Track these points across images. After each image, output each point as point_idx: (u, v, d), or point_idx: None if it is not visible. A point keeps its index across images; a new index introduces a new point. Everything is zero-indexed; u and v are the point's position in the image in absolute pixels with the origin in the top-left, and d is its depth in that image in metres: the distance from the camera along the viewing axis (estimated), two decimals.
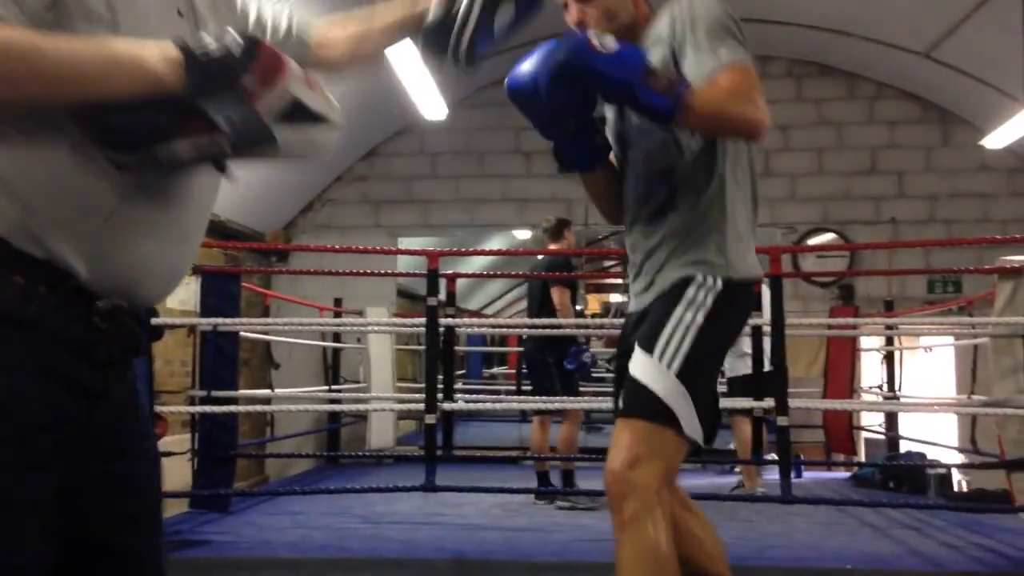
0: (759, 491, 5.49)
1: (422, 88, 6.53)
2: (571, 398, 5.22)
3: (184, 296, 5.61)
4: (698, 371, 1.81)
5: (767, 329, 4.55)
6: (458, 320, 5.52)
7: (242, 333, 5.29)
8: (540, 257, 6.02)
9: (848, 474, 6.99)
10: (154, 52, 1.03)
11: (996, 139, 7.35)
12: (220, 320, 4.62)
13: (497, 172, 9.13)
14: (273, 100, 1.04)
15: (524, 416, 9.70)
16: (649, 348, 1.82)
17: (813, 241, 8.68)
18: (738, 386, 5.83)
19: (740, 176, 1.94)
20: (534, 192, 9.48)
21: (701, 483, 6.26)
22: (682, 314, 1.83)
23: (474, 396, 8.63)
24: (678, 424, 1.77)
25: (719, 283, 1.85)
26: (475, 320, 8.75)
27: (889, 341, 7.21)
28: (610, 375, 7.92)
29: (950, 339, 7.11)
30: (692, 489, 5.82)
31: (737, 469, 6.36)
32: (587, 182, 2.08)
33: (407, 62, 5.77)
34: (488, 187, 9.07)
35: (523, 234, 11.48)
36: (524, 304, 21.65)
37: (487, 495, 5.21)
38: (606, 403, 4.42)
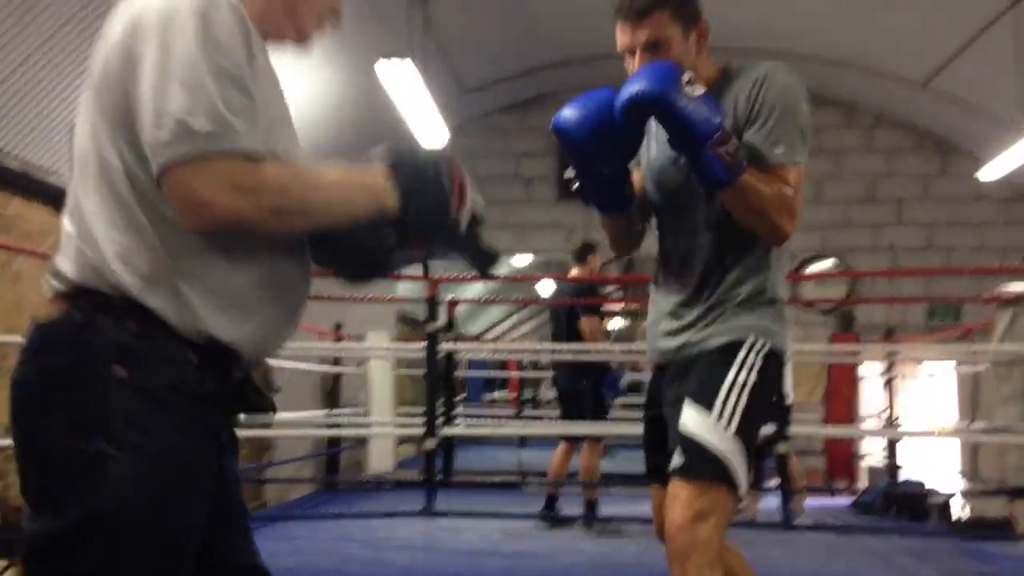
0: (756, 517, 5.49)
1: (423, 113, 6.58)
2: (603, 423, 5.15)
3: None
4: (750, 429, 1.87)
5: None
6: (458, 345, 5.53)
7: None
8: (560, 283, 5.94)
9: (850, 501, 6.97)
10: (371, 177, 1.22)
11: (992, 169, 7.40)
12: None
13: (498, 198, 9.18)
14: (465, 214, 1.23)
15: (523, 441, 9.70)
16: (708, 406, 1.85)
17: (812, 269, 8.72)
18: None
19: (785, 255, 2.00)
20: (534, 218, 9.53)
21: None
22: (736, 374, 1.87)
23: (474, 421, 8.62)
24: (734, 482, 1.83)
25: (767, 347, 1.91)
26: (475, 345, 8.76)
27: (890, 368, 7.23)
28: (628, 400, 7.89)
29: (951, 366, 7.13)
30: None
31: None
32: (605, 220, 2.11)
33: (407, 88, 5.83)
34: (489, 213, 9.06)
35: (524, 259, 11.54)
36: (525, 329, 21.55)
37: (487, 520, 5.20)
38: (631, 428, 4.43)
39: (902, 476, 6.93)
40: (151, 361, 1.16)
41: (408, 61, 5.50)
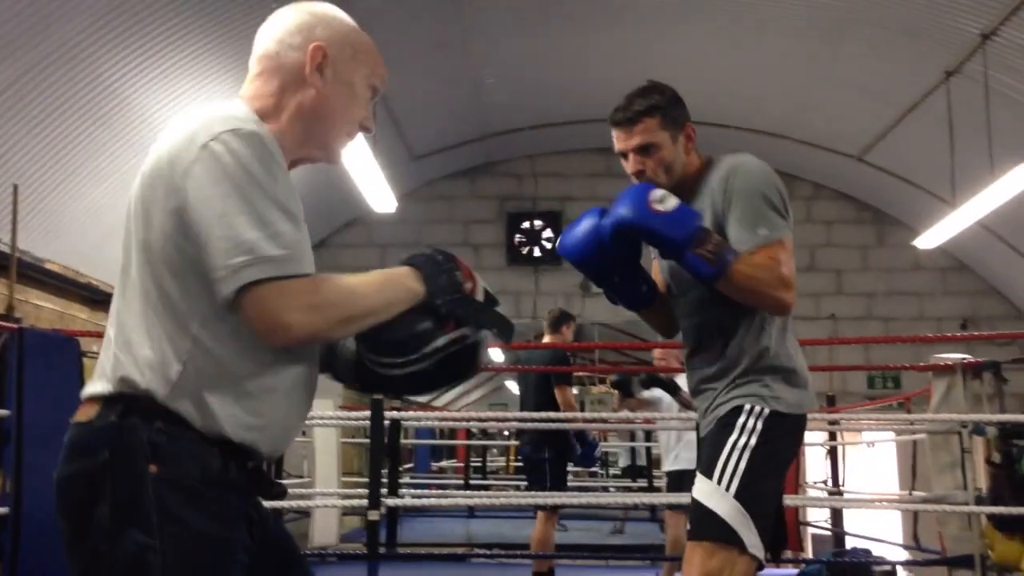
0: None
1: (371, 181, 6.61)
2: (561, 493, 5.09)
3: None
4: (753, 491, 1.96)
5: None
6: (404, 413, 5.47)
7: None
8: (536, 352, 5.88)
9: (795, 571, 6.96)
10: (408, 275, 1.36)
11: (928, 239, 7.63)
12: None
13: None
14: (479, 289, 1.38)
15: (472, 511, 9.55)
16: (709, 473, 1.98)
17: None
18: (675, 480, 5.82)
19: (783, 321, 2.09)
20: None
21: None
22: (736, 440, 1.99)
23: (421, 492, 8.49)
24: (741, 543, 1.92)
25: (766, 411, 2.01)
26: (423, 413, 8.67)
27: (832, 436, 7.30)
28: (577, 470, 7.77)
29: (891, 435, 7.23)
30: None
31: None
32: (642, 316, 2.29)
33: (357, 156, 5.86)
34: None
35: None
36: (475, 396, 21.35)
37: None
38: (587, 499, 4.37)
39: (849, 544, 6.95)
40: (179, 456, 1.28)
41: None
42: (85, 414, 1.32)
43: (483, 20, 7.12)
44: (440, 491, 9.41)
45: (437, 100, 8.24)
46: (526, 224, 9.92)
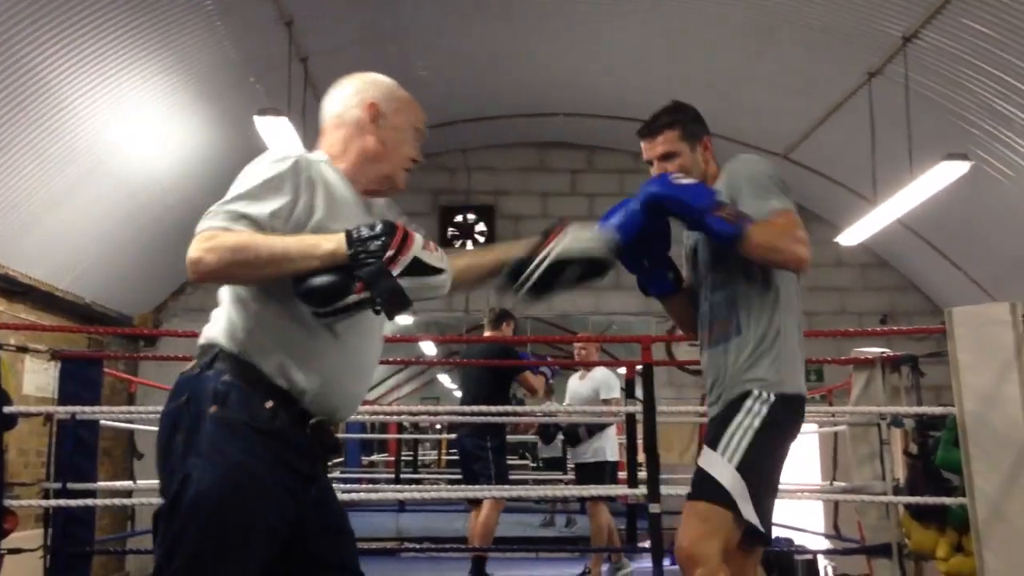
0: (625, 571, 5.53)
1: None
2: (497, 487, 5.10)
3: (41, 382, 5.35)
4: (754, 467, 2.15)
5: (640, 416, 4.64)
6: None
7: (103, 422, 5.06)
8: (480, 345, 5.88)
9: None
10: (331, 239, 1.64)
11: (850, 236, 7.82)
12: (79, 408, 4.41)
13: None
14: (403, 261, 1.59)
15: (402, 506, 9.51)
16: (714, 445, 2.19)
17: None
18: (590, 472, 5.89)
19: (793, 303, 2.31)
20: None
21: (549, 573, 6.24)
22: (741, 420, 2.20)
23: (350, 486, 8.42)
24: (736, 508, 2.12)
25: (772, 396, 2.20)
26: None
27: None
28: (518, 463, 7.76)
29: (813, 427, 7.40)
30: None
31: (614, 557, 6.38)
32: (666, 306, 2.54)
33: (283, 142, 5.78)
34: None
35: (405, 320, 11.46)
36: (407, 390, 21.22)
37: None
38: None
39: (773, 534, 7.10)
40: (232, 402, 1.66)
41: (284, 119, 5.47)
42: (188, 367, 1.76)
43: (417, 12, 7.07)
44: (370, 485, 9.34)
45: None
46: (459, 218, 9.90)
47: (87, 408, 4.47)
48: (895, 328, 8.44)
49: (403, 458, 10.81)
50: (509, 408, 5.03)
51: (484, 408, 4.91)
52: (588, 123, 9.20)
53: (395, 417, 10.46)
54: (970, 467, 3.68)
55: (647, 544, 4.71)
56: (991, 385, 3.66)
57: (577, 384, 6.22)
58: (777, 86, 7.73)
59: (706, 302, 2.38)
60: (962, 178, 6.20)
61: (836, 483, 5.65)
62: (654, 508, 4.28)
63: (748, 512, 2.12)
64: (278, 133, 5.59)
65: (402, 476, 9.82)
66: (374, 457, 14.11)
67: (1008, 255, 7.99)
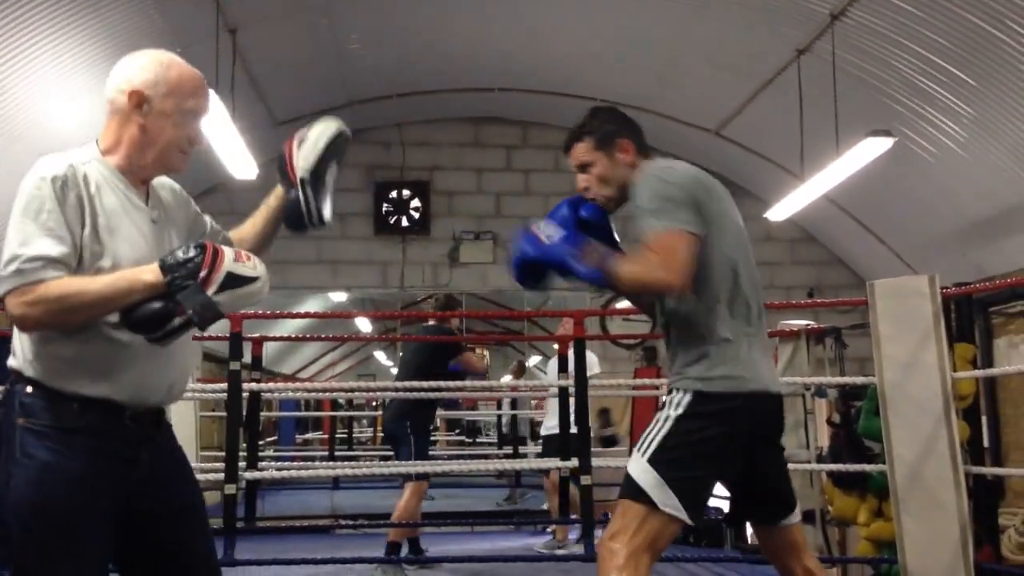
0: (564, 551, 5.59)
1: (231, 146, 6.40)
2: (428, 462, 5.12)
3: None
4: (667, 457, 2.18)
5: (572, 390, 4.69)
6: (263, 385, 5.34)
7: None
8: (423, 325, 5.82)
9: None
10: (148, 271, 1.76)
11: (779, 211, 7.97)
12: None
13: (310, 234, 8.98)
14: (217, 279, 1.72)
15: (336, 483, 9.47)
16: (639, 445, 2.25)
17: (620, 305, 9.02)
18: (549, 444, 5.95)
19: (723, 302, 2.25)
20: (349, 254, 9.42)
21: (514, 544, 6.30)
22: (661, 414, 2.25)
23: (283, 464, 8.35)
24: (650, 500, 2.14)
25: (694, 388, 2.23)
26: (284, 385, 8.51)
27: None
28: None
29: None
30: (505, 550, 5.87)
31: (550, 529, 6.46)
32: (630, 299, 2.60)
33: (214, 119, 5.65)
34: (301, 249, 8.93)
35: (338, 296, 11.35)
36: (343, 367, 20.94)
37: (294, 568, 5.01)
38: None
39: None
40: (37, 410, 1.79)
41: (211, 92, 5.33)
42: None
43: None
44: (303, 463, 9.28)
45: (300, 64, 8.02)
46: (394, 193, 9.81)
47: None
48: (820, 300, 8.65)
49: (338, 435, 10.76)
50: (443, 384, 4.99)
51: (413, 384, 4.89)
52: (523, 98, 9.19)
53: (329, 394, 10.38)
54: (890, 435, 3.79)
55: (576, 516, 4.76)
56: (910, 355, 3.76)
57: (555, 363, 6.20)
58: (709, 63, 7.81)
59: (656, 300, 2.43)
60: (887, 154, 6.35)
61: None
62: (585, 480, 4.33)
63: (668, 503, 2.14)
64: None
65: (336, 453, 9.77)
66: (309, 435, 14.00)
67: (930, 229, 8.23)
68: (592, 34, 7.71)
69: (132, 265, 1.79)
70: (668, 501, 2.14)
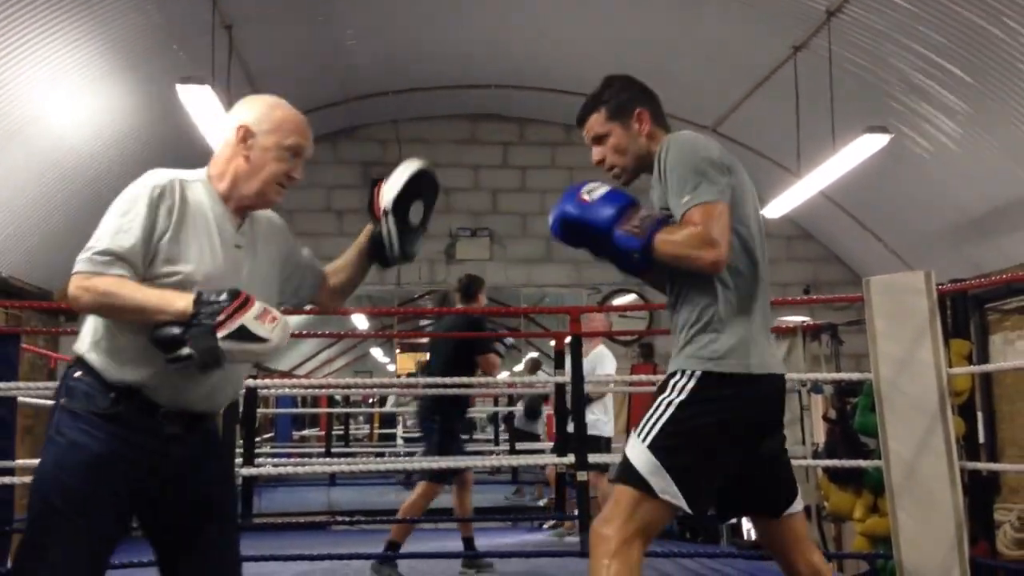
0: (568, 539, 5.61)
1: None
2: (421, 458, 4.95)
3: None
4: (670, 443, 2.09)
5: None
6: (260, 381, 5.34)
7: (22, 398, 4.92)
8: (446, 317, 5.51)
9: None
10: (183, 299, 1.89)
11: (775, 208, 7.97)
12: None
13: (307, 230, 9.01)
14: (229, 327, 1.84)
15: (333, 479, 9.48)
16: (638, 428, 2.16)
17: (617, 302, 9.05)
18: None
19: (740, 279, 2.18)
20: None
21: (510, 541, 6.31)
22: (664, 396, 2.14)
23: (281, 460, 8.36)
24: (651, 488, 2.06)
25: (699, 372, 2.13)
26: (280, 381, 8.51)
27: None
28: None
29: None
30: (502, 547, 5.88)
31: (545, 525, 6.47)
32: (646, 279, 2.44)
33: (210, 115, 5.65)
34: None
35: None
36: (339, 364, 20.85)
37: (291, 563, 5.02)
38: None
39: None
40: (77, 393, 1.98)
41: (207, 88, 5.34)
42: None
43: None
44: (300, 459, 9.29)
45: (296, 61, 8.01)
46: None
47: (3, 384, 4.34)
48: (816, 297, 8.65)
49: (334, 432, 10.75)
50: (448, 380, 4.78)
51: (407, 381, 4.87)
52: (520, 95, 9.19)
53: (326, 391, 10.38)
54: (885, 431, 3.79)
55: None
56: (906, 351, 3.76)
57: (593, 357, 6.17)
58: (706, 60, 7.82)
59: (667, 278, 2.32)
60: (883, 151, 6.36)
61: None
62: (581, 476, 4.34)
63: (666, 491, 2.07)
64: (201, 102, 5.46)
65: (333, 450, 9.77)
66: (306, 432, 13.99)
67: (926, 226, 8.24)
68: (589, 30, 7.71)
69: (202, 279, 1.96)
70: (666, 488, 2.07)
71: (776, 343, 5.06)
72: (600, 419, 6.04)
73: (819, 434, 5.30)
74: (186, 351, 1.85)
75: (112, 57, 6.21)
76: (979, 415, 4.79)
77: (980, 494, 4.09)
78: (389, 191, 2.16)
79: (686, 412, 2.10)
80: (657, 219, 2.12)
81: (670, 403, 2.12)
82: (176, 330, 1.86)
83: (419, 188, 2.19)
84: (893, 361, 3.78)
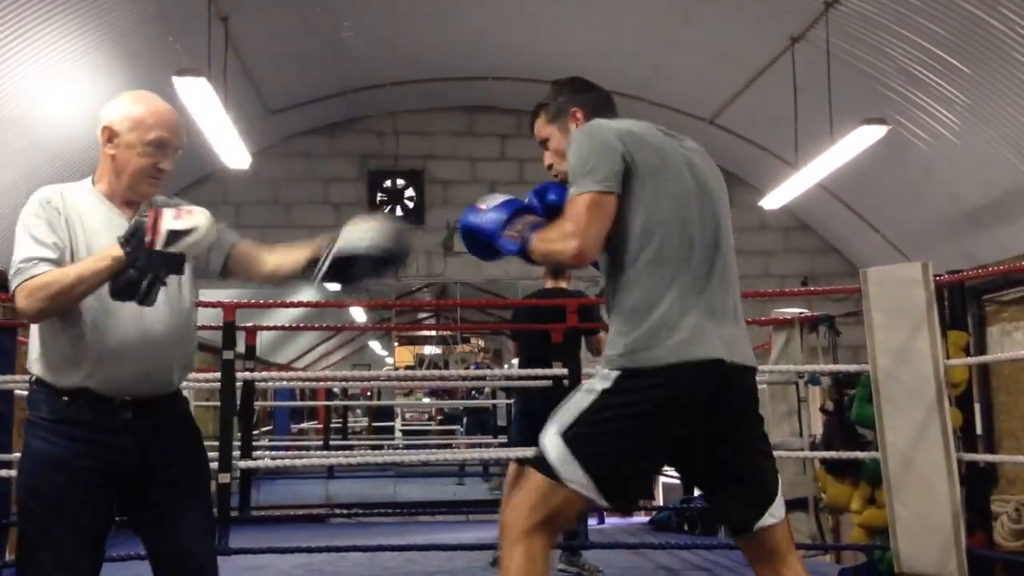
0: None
1: (223, 135, 6.38)
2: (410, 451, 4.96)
3: None
4: (583, 434, 2.03)
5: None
6: (257, 374, 5.33)
7: (18, 392, 4.91)
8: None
9: (647, 518, 7.24)
10: (111, 248, 2.00)
11: (773, 200, 7.97)
12: None
13: (305, 223, 9.00)
14: (160, 239, 1.95)
15: (331, 472, 9.48)
16: (554, 414, 2.12)
17: None
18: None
19: (656, 267, 2.05)
20: None
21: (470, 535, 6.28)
22: (583, 386, 2.13)
23: (279, 453, 8.35)
24: (558, 477, 2.02)
25: (613, 373, 2.05)
26: (278, 374, 8.49)
27: None
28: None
29: None
30: (491, 540, 5.87)
31: None
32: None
33: (207, 108, 5.63)
34: (295, 238, 8.82)
35: (332, 286, 11.31)
36: (337, 357, 20.88)
37: (289, 556, 5.02)
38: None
39: (696, 492, 7.27)
40: (36, 403, 2.12)
41: (203, 80, 5.32)
42: None
43: None
44: (298, 452, 9.28)
45: (293, 52, 7.98)
46: (388, 183, 9.79)
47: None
48: (813, 288, 8.66)
49: (332, 425, 10.75)
50: (431, 372, 4.81)
51: (419, 372, 4.86)
52: (517, 87, 9.16)
53: (323, 384, 10.38)
54: (882, 422, 3.80)
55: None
56: (903, 343, 3.77)
57: None
58: (703, 51, 7.79)
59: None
60: (881, 142, 6.35)
61: None
62: None
63: (574, 480, 1.99)
64: (197, 94, 5.44)
65: (331, 443, 9.77)
66: (304, 425, 14.00)
67: (924, 217, 8.23)
68: (586, 23, 7.69)
69: None
70: (574, 477, 2.00)
71: (774, 334, 5.09)
72: None
73: (816, 426, 5.30)
74: (146, 280, 1.96)
75: (109, 48, 6.19)
76: (976, 406, 4.80)
77: (977, 485, 4.09)
78: (344, 245, 2.15)
79: (607, 400, 2.03)
80: (535, 223, 2.17)
81: (591, 390, 2.06)
82: (127, 274, 1.97)
83: (379, 261, 2.17)
84: (890, 352, 3.79)
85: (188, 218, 2.00)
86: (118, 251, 1.98)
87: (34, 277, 2.01)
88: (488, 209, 2.23)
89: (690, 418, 2.04)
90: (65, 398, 2.08)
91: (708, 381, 2.02)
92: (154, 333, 2.12)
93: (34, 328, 2.14)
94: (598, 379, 2.07)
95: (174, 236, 1.97)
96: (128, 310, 2.05)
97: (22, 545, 2.12)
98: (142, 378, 2.12)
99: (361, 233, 2.16)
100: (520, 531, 2.02)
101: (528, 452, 2.14)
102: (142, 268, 1.96)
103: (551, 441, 2.05)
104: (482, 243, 2.25)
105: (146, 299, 1.99)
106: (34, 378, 2.14)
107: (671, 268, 2.05)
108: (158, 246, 1.96)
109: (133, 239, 1.98)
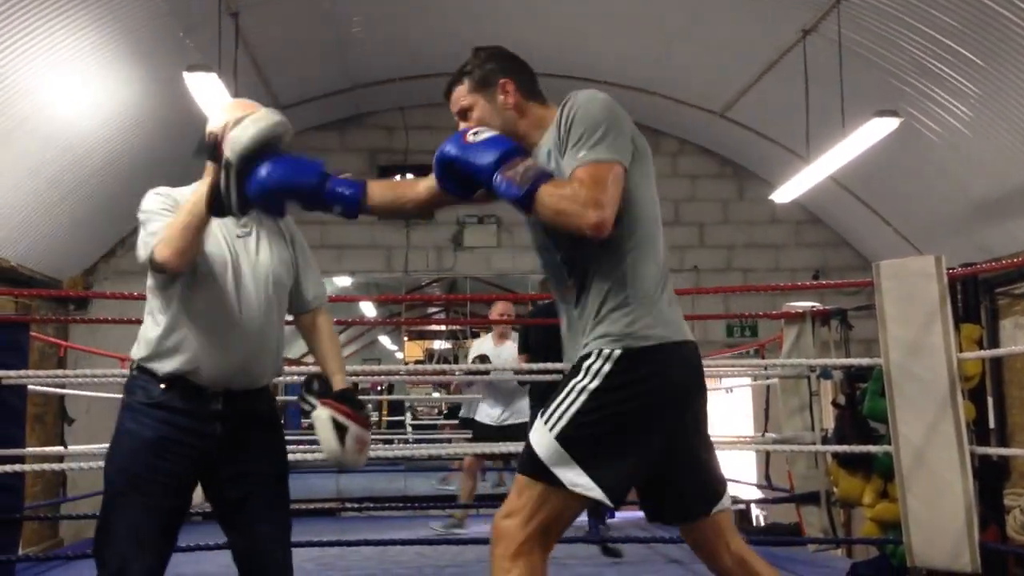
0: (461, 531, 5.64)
1: None
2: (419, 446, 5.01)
3: None
4: (581, 433, 1.93)
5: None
6: None
7: (32, 387, 4.93)
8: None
9: None
10: (204, 179, 2.24)
11: (784, 193, 7.94)
12: (3, 372, 4.29)
13: (314, 218, 8.91)
14: (228, 148, 2.08)
15: (342, 466, 9.47)
16: (544, 413, 1.99)
17: None
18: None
19: (647, 247, 2.03)
20: (353, 239, 9.41)
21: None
22: (577, 381, 1.96)
23: (290, 448, 8.36)
24: (558, 480, 1.91)
25: (616, 353, 1.95)
26: (289, 368, 8.49)
27: None
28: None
29: (747, 380, 7.55)
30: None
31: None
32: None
33: (212, 95, 5.64)
34: (306, 233, 8.85)
35: (343, 281, 11.35)
36: (348, 351, 20.79)
37: (300, 549, 5.03)
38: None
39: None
40: (133, 388, 2.30)
41: (213, 75, 5.32)
42: None
43: None
44: (308, 447, 9.31)
45: (303, 48, 7.99)
46: (397, 177, 9.79)
47: (12, 372, 4.35)
48: (825, 282, 8.63)
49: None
50: (426, 367, 4.85)
51: (396, 368, 4.86)
52: None
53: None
54: (895, 416, 3.78)
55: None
56: (916, 336, 3.75)
57: (499, 348, 6.13)
58: (714, 44, 7.76)
59: (544, 258, 2.14)
60: (892, 135, 6.31)
61: (768, 434, 5.78)
62: None
63: (576, 483, 1.91)
64: (208, 90, 5.45)
65: None
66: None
67: (936, 210, 8.19)
68: (596, 16, 7.66)
69: (218, 262, 2.29)
70: (577, 481, 1.91)
71: (785, 328, 5.06)
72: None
73: (828, 420, 5.28)
74: (223, 176, 2.08)
75: (120, 44, 6.20)
76: (989, 400, 4.77)
77: (990, 479, 4.06)
78: (238, 140, 2.09)
79: (598, 399, 1.94)
80: (544, 170, 1.95)
81: (583, 388, 1.94)
82: (217, 191, 2.10)
83: (268, 150, 2.13)
84: (903, 346, 3.76)
85: (252, 115, 2.15)
86: (207, 179, 2.17)
87: (155, 234, 2.20)
88: (478, 141, 2.00)
89: (684, 401, 2.02)
90: (162, 385, 2.25)
91: (695, 362, 2.07)
92: (250, 332, 2.29)
93: (145, 315, 2.33)
94: (589, 372, 1.96)
95: (242, 132, 2.08)
96: (228, 307, 2.25)
97: (102, 516, 2.24)
98: (236, 371, 2.28)
99: (243, 132, 2.11)
100: (518, 544, 1.91)
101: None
102: (226, 171, 2.06)
103: (546, 444, 1.94)
104: (462, 177, 2.03)
105: (240, 204, 2.08)
106: (135, 364, 2.30)
107: (660, 253, 2.07)
108: (227, 151, 2.07)
109: (210, 150, 2.19)
